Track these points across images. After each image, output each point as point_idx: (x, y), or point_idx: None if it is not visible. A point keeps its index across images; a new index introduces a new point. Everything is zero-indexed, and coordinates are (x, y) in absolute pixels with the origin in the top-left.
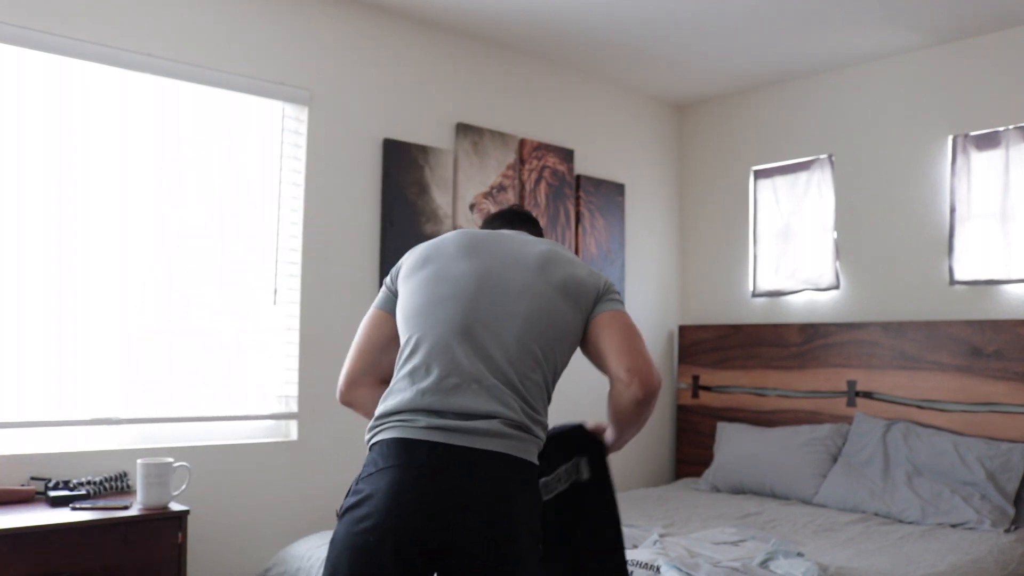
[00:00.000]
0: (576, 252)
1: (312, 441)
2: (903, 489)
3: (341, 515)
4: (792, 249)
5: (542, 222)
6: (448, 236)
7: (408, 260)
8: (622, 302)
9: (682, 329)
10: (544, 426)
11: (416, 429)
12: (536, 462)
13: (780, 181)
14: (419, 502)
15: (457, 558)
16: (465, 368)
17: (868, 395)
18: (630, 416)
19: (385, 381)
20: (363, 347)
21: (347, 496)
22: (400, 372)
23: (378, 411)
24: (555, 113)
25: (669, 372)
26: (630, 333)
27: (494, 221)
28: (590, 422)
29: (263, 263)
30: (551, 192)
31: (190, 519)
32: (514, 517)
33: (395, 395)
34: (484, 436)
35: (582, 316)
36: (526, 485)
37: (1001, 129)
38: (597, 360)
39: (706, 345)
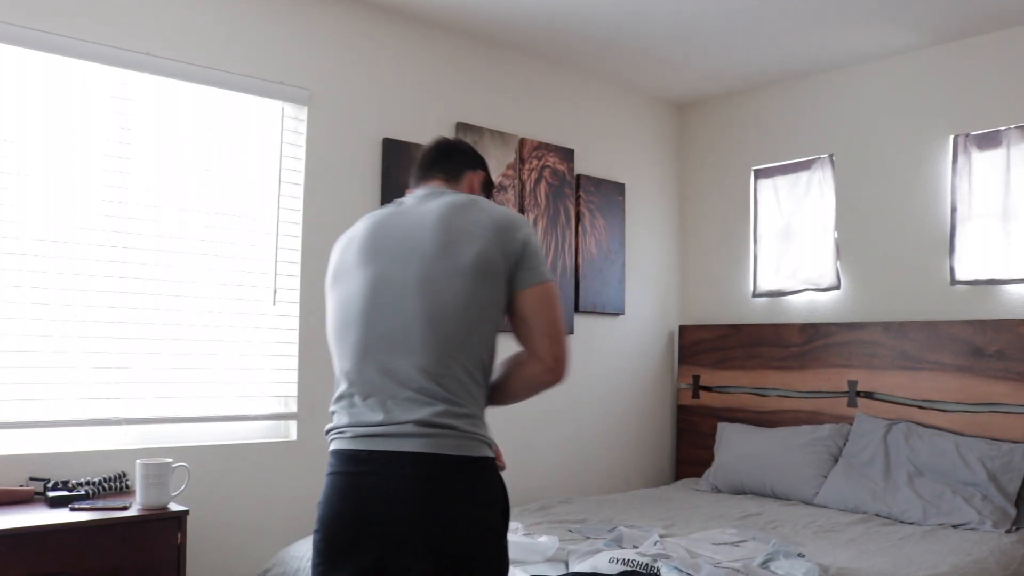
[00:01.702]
0: (576, 252)
1: (311, 441)
2: (904, 490)
3: None
4: (793, 249)
5: (542, 222)
6: (356, 234)
7: (328, 269)
8: (542, 264)
9: (682, 329)
10: (479, 419)
11: (347, 439)
12: (476, 454)
13: (781, 181)
14: (349, 507)
15: (401, 560)
16: (379, 387)
17: (869, 395)
18: (531, 392)
19: None
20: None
21: None
22: (333, 397)
23: (326, 428)
24: (555, 113)
25: (669, 372)
26: (555, 315)
27: (413, 176)
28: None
29: (262, 263)
30: (551, 192)
31: (189, 519)
32: (451, 514)
33: (333, 417)
34: (406, 438)
35: (502, 287)
36: (463, 481)
37: (1002, 128)
38: (521, 337)
39: (706, 345)
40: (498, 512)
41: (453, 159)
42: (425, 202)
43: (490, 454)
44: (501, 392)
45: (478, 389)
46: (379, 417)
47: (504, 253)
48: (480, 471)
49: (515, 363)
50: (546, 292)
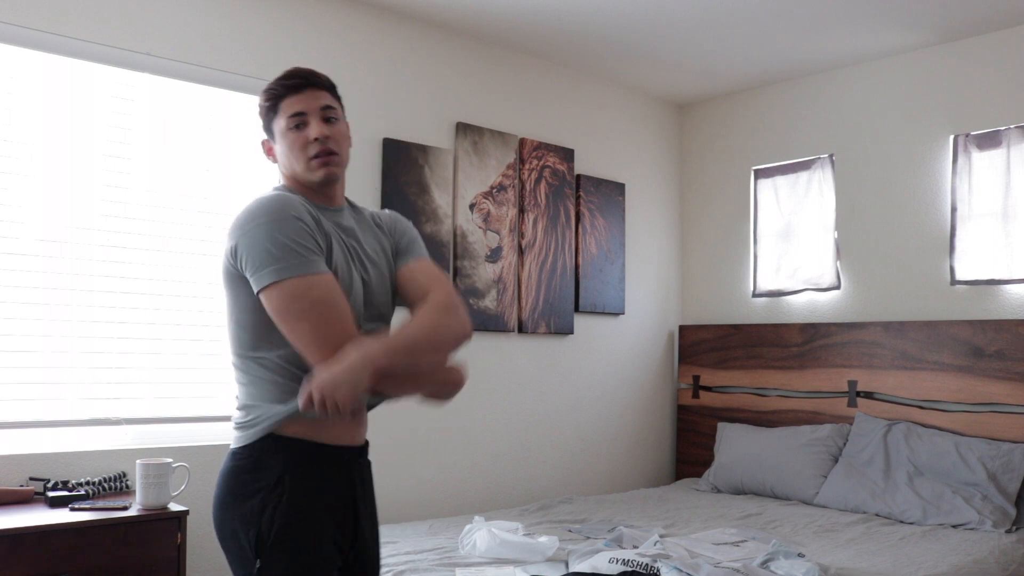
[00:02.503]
0: (576, 252)
1: None
2: (904, 490)
3: None
4: (793, 249)
5: (542, 222)
6: None
7: None
8: (262, 266)
9: (682, 329)
10: (246, 407)
11: None
12: (233, 446)
13: (781, 181)
14: None
15: None
16: None
17: (869, 395)
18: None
19: None
20: None
21: None
22: None
23: None
24: (555, 113)
25: (669, 372)
26: (293, 325)
27: None
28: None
29: None
30: (551, 192)
31: (189, 519)
32: (215, 511)
33: None
34: None
35: (240, 288)
36: (223, 480)
37: (1002, 128)
38: None
39: (707, 345)
40: (238, 519)
41: None
42: None
43: (243, 442)
44: None
45: (243, 385)
46: None
47: (228, 252)
48: (228, 463)
49: None
50: (272, 299)
